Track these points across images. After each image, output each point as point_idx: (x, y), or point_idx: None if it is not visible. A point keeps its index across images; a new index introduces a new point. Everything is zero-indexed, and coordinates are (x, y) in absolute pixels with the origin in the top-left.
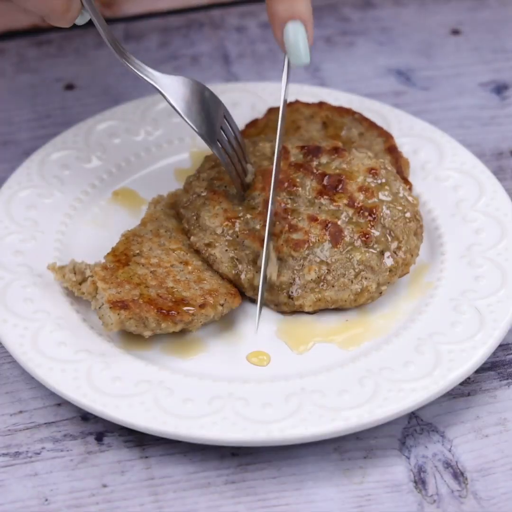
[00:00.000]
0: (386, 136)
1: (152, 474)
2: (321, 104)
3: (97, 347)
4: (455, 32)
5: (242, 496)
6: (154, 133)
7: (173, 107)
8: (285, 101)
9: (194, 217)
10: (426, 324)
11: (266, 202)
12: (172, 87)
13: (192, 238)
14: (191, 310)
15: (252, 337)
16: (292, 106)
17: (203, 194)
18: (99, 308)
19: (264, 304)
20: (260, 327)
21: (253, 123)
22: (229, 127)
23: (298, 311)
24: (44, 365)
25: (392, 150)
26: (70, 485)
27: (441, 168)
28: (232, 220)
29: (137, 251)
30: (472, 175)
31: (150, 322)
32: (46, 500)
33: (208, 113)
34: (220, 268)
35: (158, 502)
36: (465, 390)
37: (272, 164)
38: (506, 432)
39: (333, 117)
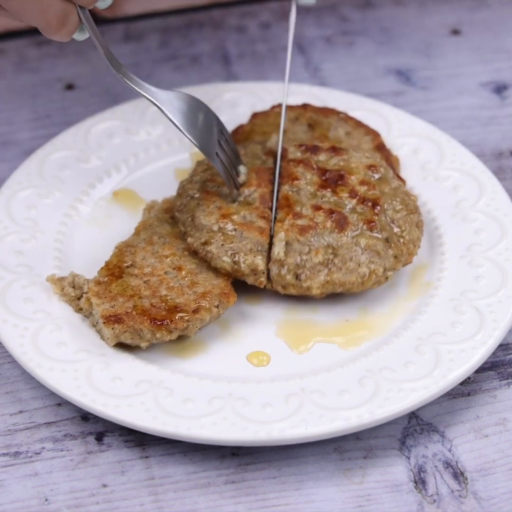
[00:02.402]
0: (373, 134)
1: (152, 474)
2: (305, 106)
3: (97, 347)
4: (455, 32)
5: (242, 496)
6: (154, 133)
7: (172, 121)
8: (292, 45)
9: (190, 219)
10: (426, 324)
11: (262, 196)
12: (170, 102)
13: (188, 239)
14: (185, 316)
15: (252, 337)
16: (276, 109)
17: (197, 195)
18: (96, 323)
19: (270, 288)
20: (259, 328)
21: (238, 129)
22: (224, 138)
23: (305, 295)
24: (44, 365)
25: (381, 148)
26: (70, 485)
27: (441, 168)
28: (228, 216)
29: (130, 262)
30: (472, 175)
31: (145, 334)
32: (46, 500)
33: (205, 127)
34: (218, 264)
35: (158, 502)
36: (465, 390)
37: (265, 163)
38: (506, 432)
39: (319, 118)
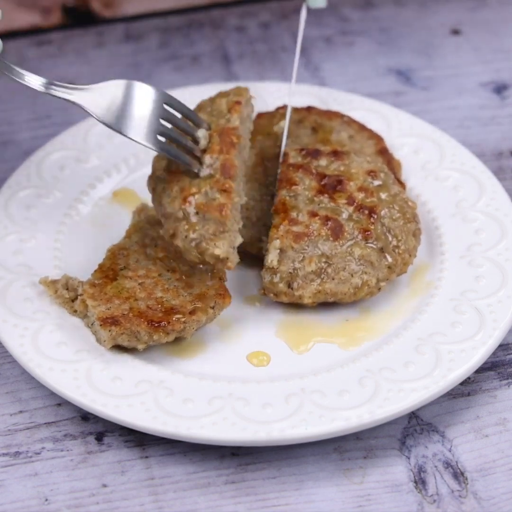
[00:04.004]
0: (376, 138)
1: (152, 474)
2: (309, 109)
3: (97, 347)
4: (455, 32)
5: (242, 496)
6: None
7: (98, 119)
8: (300, 46)
9: (159, 207)
10: (426, 324)
11: (223, 165)
12: (93, 99)
13: (161, 231)
14: (181, 318)
15: (252, 337)
16: (280, 111)
17: (162, 177)
18: (92, 325)
19: (263, 294)
20: (259, 328)
21: None
22: (169, 112)
23: (296, 303)
24: (44, 365)
25: (383, 152)
26: (70, 485)
27: (441, 168)
28: (189, 198)
29: (124, 265)
30: (472, 175)
31: (142, 335)
32: (46, 500)
33: (141, 111)
34: (187, 257)
35: (158, 502)
36: (465, 390)
37: (229, 121)
38: (506, 432)
39: (322, 121)
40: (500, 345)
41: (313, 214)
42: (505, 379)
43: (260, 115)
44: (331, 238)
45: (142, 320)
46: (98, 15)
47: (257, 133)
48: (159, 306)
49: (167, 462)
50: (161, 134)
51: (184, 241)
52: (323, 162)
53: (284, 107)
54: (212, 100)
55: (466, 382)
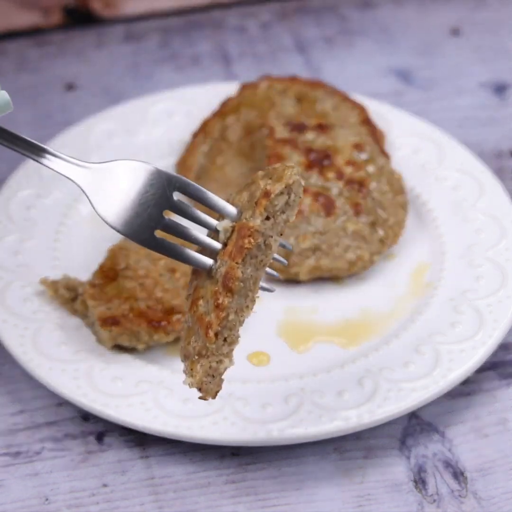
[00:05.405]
0: (359, 108)
1: (152, 474)
2: (292, 79)
3: (97, 347)
4: (455, 32)
5: (242, 496)
6: (154, 133)
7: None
8: None
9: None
10: (426, 324)
11: (226, 275)
12: (92, 181)
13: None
14: (181, 318)
15: (252, 337)
16: (262, 81)
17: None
18: (92, 325)
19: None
20: (259, 328)
21: (227, 102)
22: (180, 203)
23: (292, 279)
24: (44, 365)
25: (367, 122)
26: (70, 485)
27: (441, 168)
28: (194, 304)
29: (124, 265)
30: (472, 175)
31: (142, 336)
32: (47, 500)
33: (141, 201)
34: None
35: (158, 502)
36: (465, 390)
37: (253, 216)
38: (506, 432)
39: (306, 91)
40: (500, 345)
41: (304, 190)
42: (505, 379)
43: (244, 87)
44: (323, 214)
45: (142, 320)
46: (98, 15)
47: (241, 105)
48: (160, 306)
49: (167, 462)
50: (164, 228)
51: (180, 349)
52: (309, 136)
53: (268, 77)
54: (260, 176)
55: (466, 382)
